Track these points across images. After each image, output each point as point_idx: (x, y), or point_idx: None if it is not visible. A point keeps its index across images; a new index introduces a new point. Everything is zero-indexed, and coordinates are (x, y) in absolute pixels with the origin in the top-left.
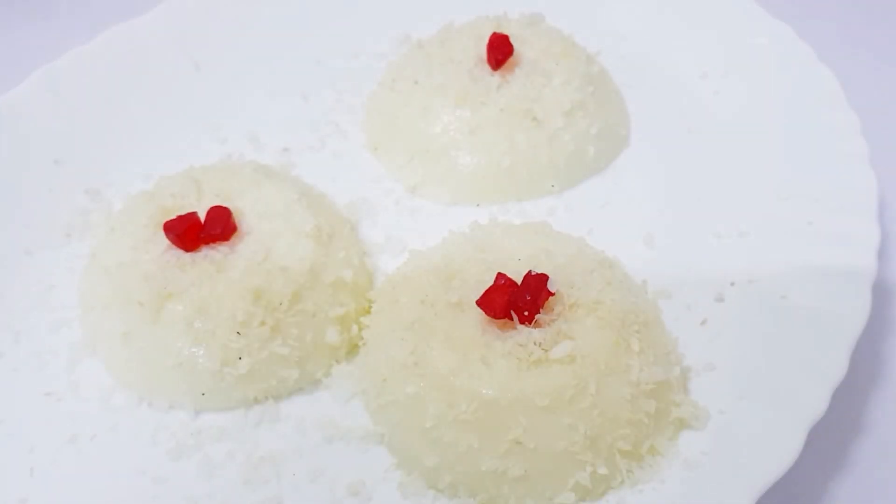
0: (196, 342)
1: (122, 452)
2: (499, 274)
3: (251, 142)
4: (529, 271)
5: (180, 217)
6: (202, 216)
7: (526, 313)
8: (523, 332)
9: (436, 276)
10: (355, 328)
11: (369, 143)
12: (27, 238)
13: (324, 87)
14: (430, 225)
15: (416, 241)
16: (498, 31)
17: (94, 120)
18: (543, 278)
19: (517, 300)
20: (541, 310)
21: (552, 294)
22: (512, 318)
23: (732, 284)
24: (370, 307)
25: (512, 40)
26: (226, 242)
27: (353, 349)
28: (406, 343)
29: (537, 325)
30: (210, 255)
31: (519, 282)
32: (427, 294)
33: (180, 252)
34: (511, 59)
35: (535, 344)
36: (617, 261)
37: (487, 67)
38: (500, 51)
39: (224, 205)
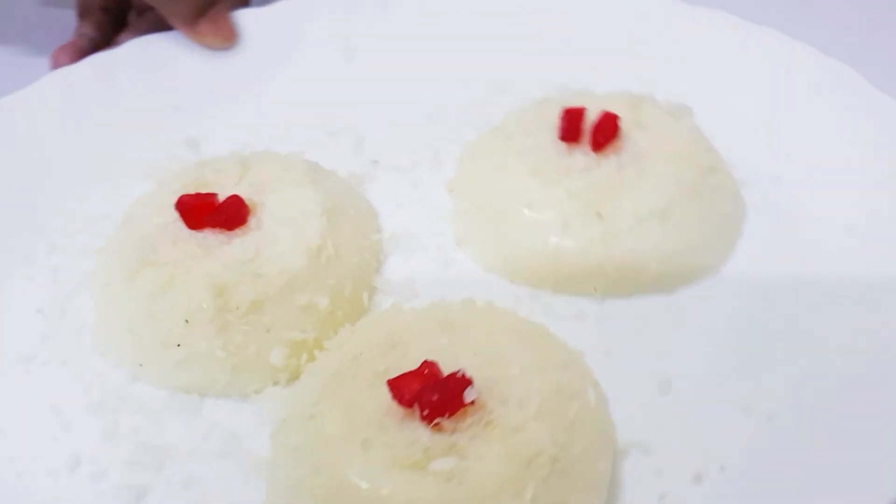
0: (148, 316)
1: (56, 387)
2: (425, 362)
3: (356, 142)
4: (457, 372)
5: (199, 195)
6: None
7: (426, 412)
8: (418, 431)
9: (387, 337)
10: (305, 357)
11: (451, 183)
12: (112, 169)
13: (452, 113)
14: (453, 283)
15: (430, 293)
16: (613, 109)
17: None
18: (464, 384)
19: (426, 395)
20: (446, 415)
21: (465, 404)
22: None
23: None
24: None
25: (623, 122)
26: (229, 231)
27: (296, 376)
28: (316, 391)
29: (438, 428)
30: (207, 239)
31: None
32: (363, 352)
33: (183, 227)
34: (613, 143)
35: (421, 447)
36: (590, 390)
37: (585, 144)
38: (602, 133)
39: (255, 197)
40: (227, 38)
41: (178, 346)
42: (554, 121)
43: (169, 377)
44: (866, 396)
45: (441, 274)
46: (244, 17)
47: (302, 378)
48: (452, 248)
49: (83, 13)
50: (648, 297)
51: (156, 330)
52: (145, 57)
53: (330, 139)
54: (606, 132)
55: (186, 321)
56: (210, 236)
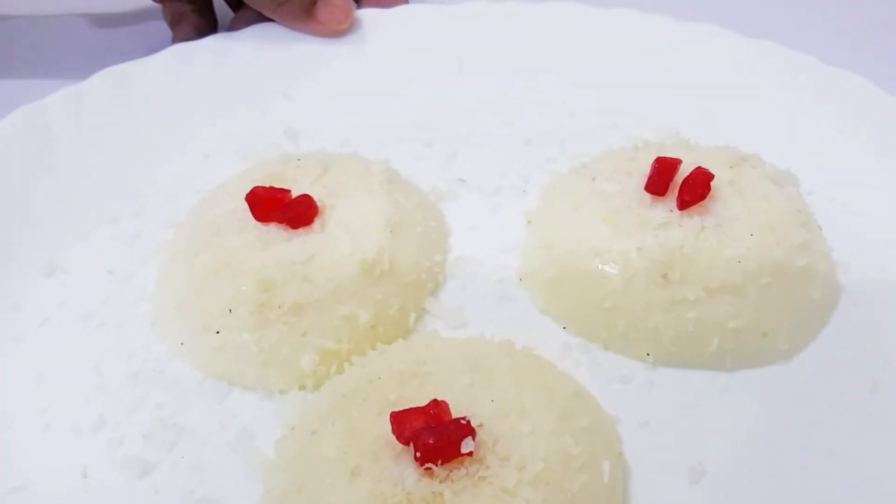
0: (197, 298)
1: (103, 349)
2: (433, 400)
3: (448, 157)
4: (462, 418)
5: (271, 189)
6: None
7: (419, 454)
8: (408, 471)
9: (411, 365)
10: (335, 367)
11: (529, 214)
12: (212, 147)
13: (552, 142)
14: (505, 319)
15: (478, 326)
16: (711, 165)
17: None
18: (464, 433)
19: (423, 437)
20: (438, 462)
21: (461, 454)
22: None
23: None
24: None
25: (717, 181)
26: (293, 229)
27: (322, 384)
28: (326, 406)
29: (428, 472)
30: (270, 233)
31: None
32: (382, 375)
33: (250, 218)
34: (700, 202)
35: (405, 490)
36: (607, 464)
37: (671, 199)
38: (690, 190)
39: (326, 199)
40: (343, 20)
41: (217, 332)
42: (645, 168)
43: (204, 360)
44: None
45: (495, 308)
46: (363, 17)
47: (322, 389)
48: (514, 282)
49: (176, 21)
50: (705, 372)
51: (200, 312)
52: (262, 42)
53: (424, 150)
54: (695, 190)
55: (230, 310)
56: (274, 231)
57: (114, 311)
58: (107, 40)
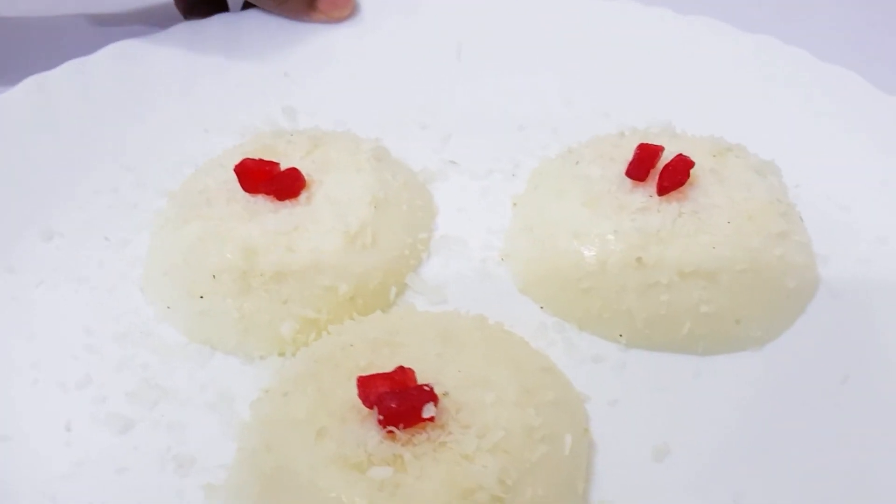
0: (184, 263)
1: (95, 310)
2: (400, 367)
3: (442, 140)
4: (425, 385)
5: (261, 161)
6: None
7: (382, 418)
8: (371, 434)
9: (385, 334)
10: (314, 335)
11: (516, 197)
12: (211, 122)
13: (545, 128)
14: (485, 297)
15: (458, 302)
16: (695, 154)
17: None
18: (426, 399)
19: (386, 401)
20: (400, 426)
21: (422, 419)
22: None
23: None
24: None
25: (699, 170)
26: (280, 201)
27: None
28: (299, 370)
29: (391, 436)
30: (257, 204)
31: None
32: (356, 343)
33: (239, 189)
34: (680, 189)
35: (366, 451)
36: (569, 437)
37: (652, 185)
38: (670, 176)
39: (314, 173)
40: (344, 7)
41: (202, 297)
42: (629, 154)
43: (189, 324)
44: None
45: (476, 286)
46: (367, 1)
47: (297, 354)
48: (496, 262)
49: (189, 10)
50: (677, 356)
51: (186, 278)
52: (267, 22)
53: (419, 132)
54: (674, 177)
55: (214, 276)
56: (261, 202)
57: (107, 275)
58: (121, 22)
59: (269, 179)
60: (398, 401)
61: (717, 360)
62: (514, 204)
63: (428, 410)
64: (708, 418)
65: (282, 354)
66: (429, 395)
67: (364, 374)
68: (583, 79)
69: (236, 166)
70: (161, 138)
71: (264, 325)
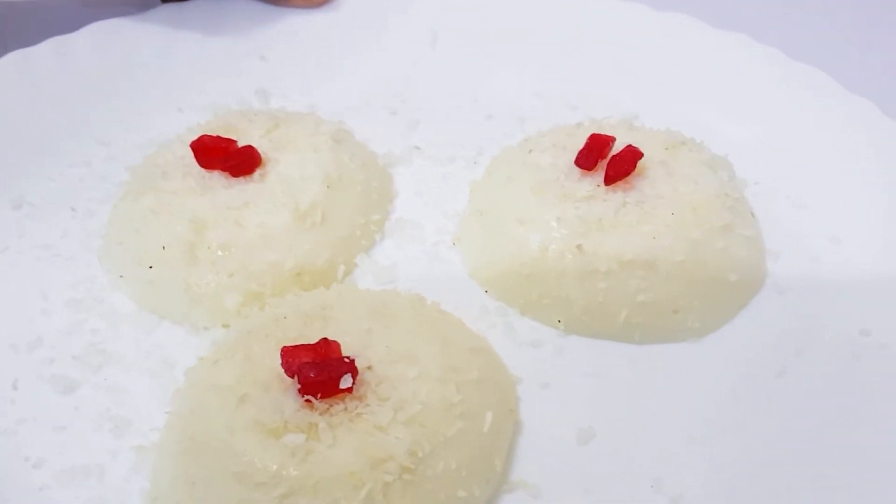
0: (136, 234)
1: (53, 277)
2: (324, 339)
3: (409, 125)
4: (347, 357)
5: (218, 138)
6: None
7: (300, 387)
8: (290, 402)
9: (319, 308)
10: (257, 308)
11: (474, 184)
12: (184, 100)
13: (511, 118)
14: (432, 280)
15: (406, 284)
16: (649, 146)
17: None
18: (345, 370)
19: (305, 371)
20: (318, 395)
21: (339, 390)
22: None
23: None
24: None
25: (649, 162)
26: (233, 178)
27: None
28: (232, 339)
29: (308, 404)
30: (212, 180)
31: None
32: (289, 315)
33: (195, 164)
34: (626, 179)
35: (282, 418)
36: (490, 415)
37: (600, 174)
38: (616, 167)
39: (271, 152)
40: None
41: (151, 267)
42: (580, 143)
43: (139, 293)
44: None
45: (425, 269)
46: None
47: (233, 325)
48: (448, 247)
49: None
50: (614, 343)
51: (138, 248)
52: (245, 5)
53: (388, 117)
54: (621, 167)
55: (163, 247)
56: (216, 178)
57: (69, 244)
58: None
59: (224, 156)
60: (317, 371)
61: (653, 350)
62: (472, 190)
63: (345, 382)
64: (637, 406)
65: (226, 326)
66: (347, 367)
67: (293, 343)
68: (555, 71)
69: (193, 142)
70: (135, 116)
71: (210, 297)
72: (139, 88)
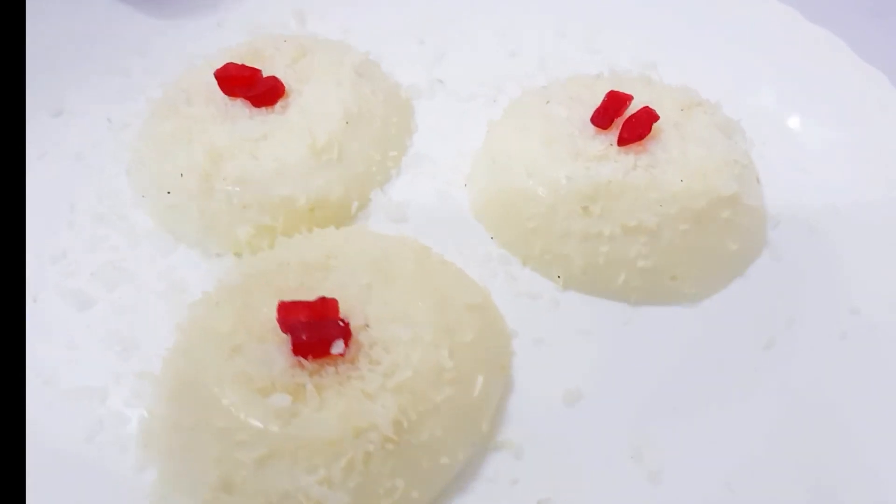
0: (157, 158)
1: (81, 188)
2: (322, 298)
3: (435, 57)
4: (342, 321)
5: (243, 67)
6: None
7: (292, 347)
8: (281, 359)
9: (323, 256)
10: (267, 242)
11: (491, 124)
12: (223, 19)
13: (533, 57)
14: (442, 219)
15: (416, 222)
16: (664, 106)
17: None
18: (337, 335)
19: (298, 331)
20: (308, 357)
21: (330, 354)
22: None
23: None
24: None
25: (663, 123)
26: (255, 108)
27: (255, 253)
28: (235, 282)
29: (299, 364)
30: (234, 108)
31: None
32: (292, 262)
33: (219, 91)
34: (642, 142)
35: (271, 377)
36: (481, 378)
37: (614, 133)
38: (631, 129)
39: (294, 83)
40: None
41: (169, 192)
42: (599, 99)
43: (157, 215)
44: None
45: (435, 207)
46: None
47: (240, 263)
48: (459, 186)
49: None
50: (611, 303)
51: (158, 172)
52: None
53: (416, 47)
54: (636, 129)
55: (181, 174)
56: (238, 107)
57: (100, 155)
58: None
59: (248, 85)
60: (308, 333)
61: (648, 312)
62: (489, 131)
63: (337, 347)
64: (626, 370)
65: (238, 254)
66: (341, 331)
67: (294, 295)
68: (579, 14)
69: (217, 70)
70: (174, 29)
71: (223, 227)
72: (180, 2)
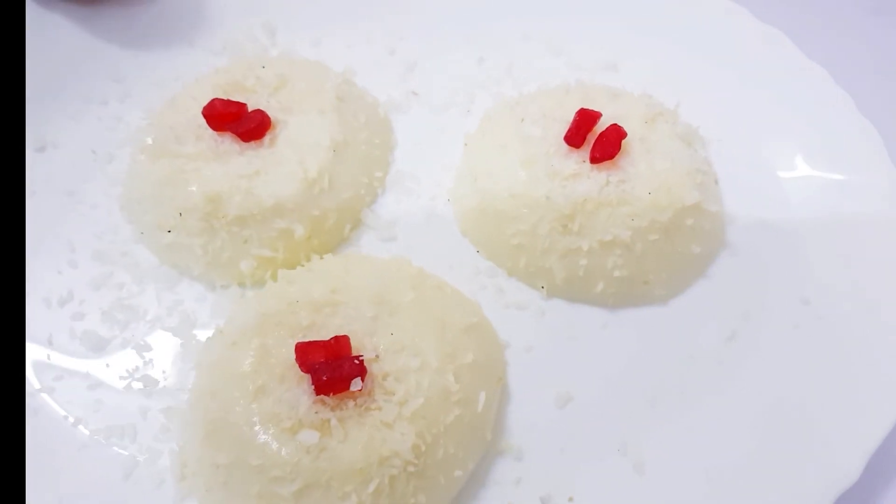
0: (154, 197)
1: (78, 225)
2: (336, 337)
3: (407, 68)
4: (357, 357)
5: (229, 102)
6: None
7: (314, 386)
8: (304, 397)
9: (327, 293)
10: (269, 273)
11: (468, 137)
12: (195, 36)
13: (501, 64)
14: (430, 236)
15: (406, 240)
16: (629, 118)
17: None
18: (356, 373)
19: (319, 371)
20: (330, 395)
21: (349, 391)
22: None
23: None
24: (296, 265)
25: (630, 137)
26: (245, 142)
27: (259, 283)
28: (249, 321)
29: (321, 401)
30: (224, 144)
31: (358, 355)
32: (300, 300)
33: (206, 127)
34: (616, 157)
35: (297, 415)
36: (483, 395)
37: (586, 150)
38: (603, 148)
39: (279, 115)
40: None
41: (169, 231)
42: (570, 115)
43: (159, 251)
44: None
45: (422, 225)
46: None
47: (251, 297)
48: (443, 202)
49: None
50: (591, 308)
51: (156, 211)
52: None
53: (387, 58)
54: (606, 149)
55: (180, 214)
56: (228, 142)
57: (91, 191)
58: None
59: (236, 121)
60: (329, 373)
61: (623, 314)
62: (466, 144)
63: (355, 385)
64: (608, 369)
65: (241, 285)
66: (358, 370)
67: (306, 333)
68: (542, 16)
69: (205, 108)
70: (147, 52)
71: (226, 261)
72: (149, 24)
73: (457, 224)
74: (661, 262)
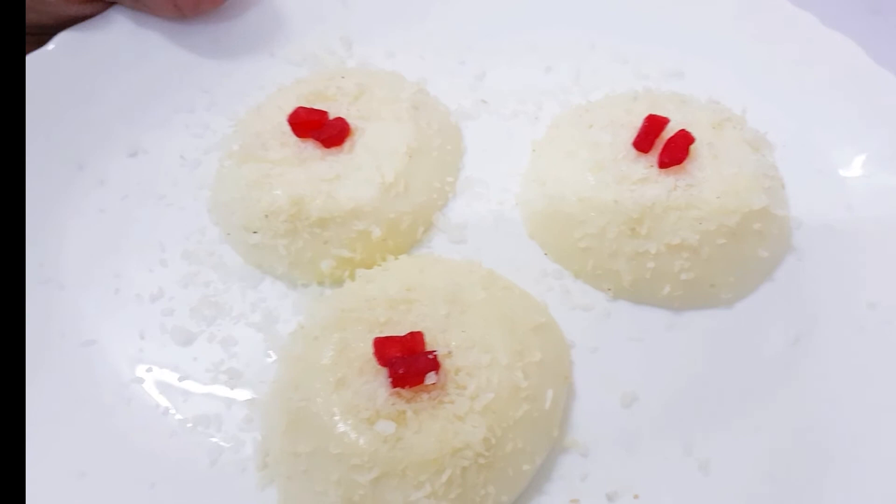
0: (242, 200)
1: (168, 226)
2: (412, 333)
3: (477, 77)
4: (431, 352)
5: (312, 110)
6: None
7: (391, 379)
8: (381, 389)
9: (402, 290)
10: (348, 272)
11: (535, 143)
12: (276, 48)
13: (567, 73)
14: (498, 239)
15: (475, 243)
16: (697, 125)
17: None
18: (430, 367)
19: (396, 365)
20: (406, 388)
21: (424, 384)
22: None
23: (638, 497)
24: (372, 265)
25: (698, 143)
26: (326, 148)
27: (338, 282)
28: (330, 317)
29: (397, 393)
30: (307, 150)
31: (432, 350)
32: (378, 296)
33: (290, 133)
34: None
35: (375, 406)
36: (550, 392)
37: (655, 155)
38: (671, 153)
39: (358, 122)
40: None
41: (255, 232)
42: (638, 121)
43: (244, 251)
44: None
45: (491, 228)
46: None
47: (331, 294)
48: (511, 206)
49: None
50: (656, 310)
51: (243, 213)
52: None
53: (458, 67)
54: (675, 154)
55: (266, 216)
56: (310, 148)
57: (180, 194)
58: None
59: (318, 128)
60: (405, 367)
61: (689, 316)
62: (533, 150)
63: (430, 378)
64: (673, 371)
65: (321, 284)
66: (432, 364)
67: (383, 328)
68: (608, 25)
69: (290, 116)
70: (231, 63)
71: (307, 261)
72: (233, 36)
73: (524, 227)
74: (727, 266)
